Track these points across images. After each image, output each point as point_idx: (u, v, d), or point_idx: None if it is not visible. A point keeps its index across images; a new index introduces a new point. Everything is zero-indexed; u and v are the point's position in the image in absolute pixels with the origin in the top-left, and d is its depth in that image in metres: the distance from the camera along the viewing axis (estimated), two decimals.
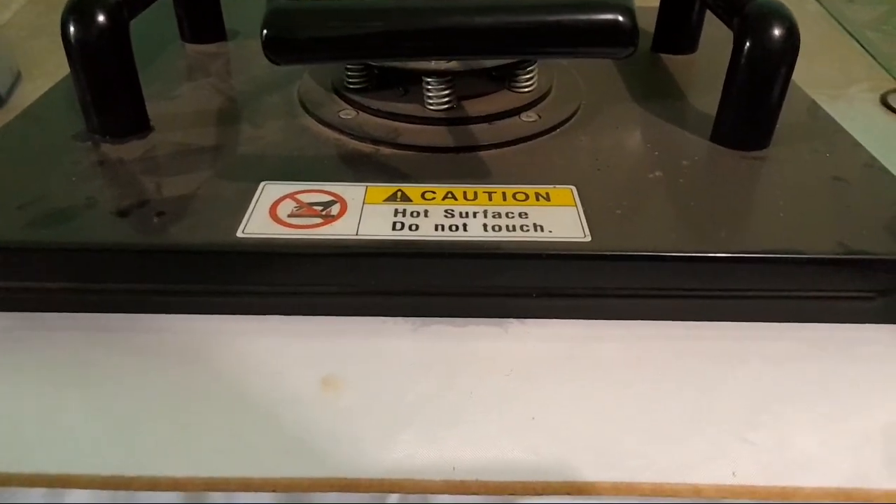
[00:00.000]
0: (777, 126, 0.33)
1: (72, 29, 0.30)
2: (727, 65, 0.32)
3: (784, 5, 0.31)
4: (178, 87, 0.38)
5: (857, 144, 0.34)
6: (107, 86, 0.31)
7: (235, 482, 0.22)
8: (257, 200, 0.28)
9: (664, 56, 0.43)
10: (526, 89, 0.35)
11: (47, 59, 0.65)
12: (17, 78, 0.63)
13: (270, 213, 0.27)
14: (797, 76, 0.33)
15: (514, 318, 0.28)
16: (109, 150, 0.31)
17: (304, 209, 0.28)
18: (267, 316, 0.28)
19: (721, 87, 0.33)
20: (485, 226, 0.27)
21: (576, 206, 0.28)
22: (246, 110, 0.36)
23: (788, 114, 0.33)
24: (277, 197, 0.28)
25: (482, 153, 0.32)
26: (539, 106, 0.35)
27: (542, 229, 0.27)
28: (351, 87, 0.35)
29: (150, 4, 0.33)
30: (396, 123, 0.33)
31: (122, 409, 0.24)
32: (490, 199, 0.29)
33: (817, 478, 0.23)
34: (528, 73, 0.35)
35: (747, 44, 0.30)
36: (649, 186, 0.30)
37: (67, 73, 0.34)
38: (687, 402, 0.25)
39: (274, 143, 0.33)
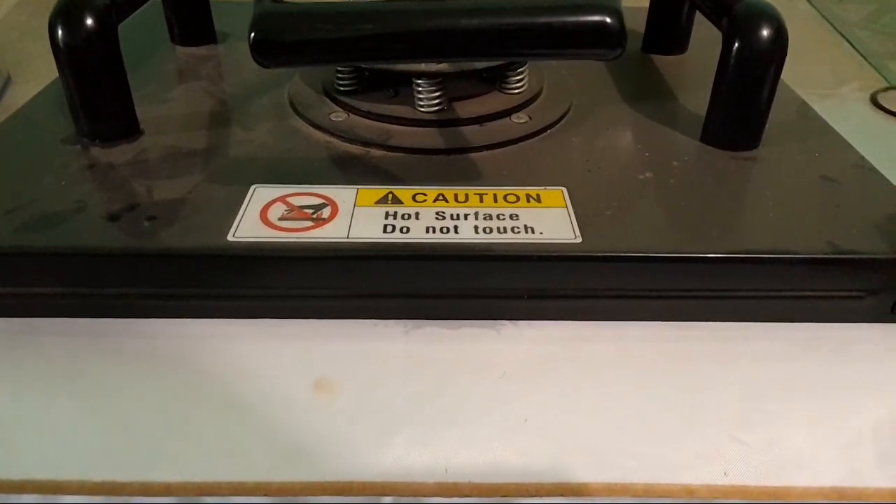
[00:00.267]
0: (767, 126, 0.33)
1: (60, 32, 0.30)
2: (716, 67, 0.32)
3: (772, 6, 0.31)
4: (169, 91, 0.38)
5: (846, 144, 0.34)
6: (95, 89, 0.31)
7: (228, 486, 0.22)
8: (248, 204, 0.28)
9: (654, 57, 0.43)
10: (516, 90, 0.35)
11: (37, 62, 0.65)
12: (7, 81, 0.63)
13: (261, 216, 0.27)
14: (787, 76, 0.34)
15: (506, 319, 0.28)
16: (99, 153, 0.31)
17: (294, 212, 0.28)
18: (258, 319, 0.28)
19: (711, 88, 0.33)
20: (476, 228, 0.27)
21: (566, 207, 0.28)
22: (236, 113, 0.36)
23: (778, 114, 0.33)
24: (268, 200, 0.28)
25: (473, 155, 0.32)
26: (530, 107, 0.35)
27: (532, 231, 0.27)
28: (341, 89, 0.35)
29: (139, 7, 0.33)
30: (387, 125, 0.33)
31: (113, 414, 0.24)
32: (481, 200, 0.29)
33: (809, 477, 0.23)
34: (519, 74, 0.35)
35: (736, 44, 0.31)
36: (640, 187, 0.30)
37: (57, 76, 0.34)
38: (678, 403, 0.25)
39: (264, 146, 0.33)
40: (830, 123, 0.36)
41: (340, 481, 0.22)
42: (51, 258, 0.26)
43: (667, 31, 0.43)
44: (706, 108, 0.33)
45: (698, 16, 0.40)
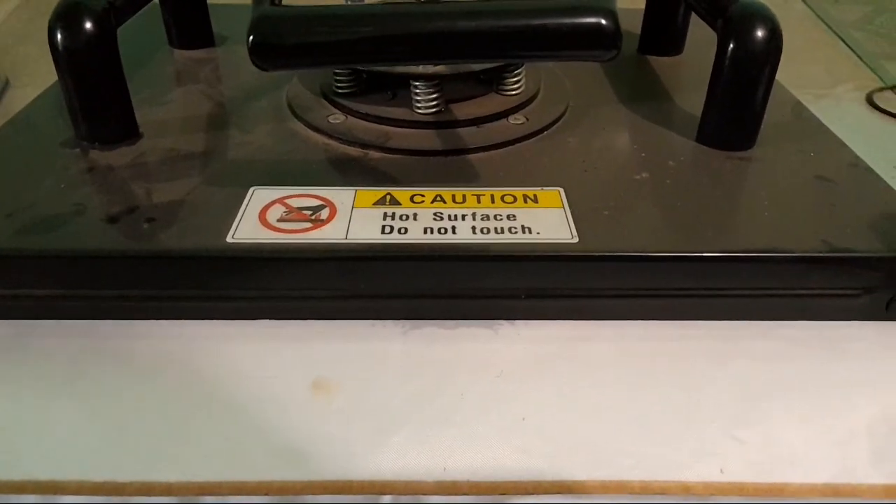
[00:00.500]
0: (762, 126, 0.33)
1: (59, 36, 0.30)
2: (712, 68, 0.32)
3: (767, 7, 0.31)
4: (167, 93, 0.38)
5: (841, 144, 0.34)
6: (95, 93, 0.31)
7: (228, 486, 0.22)
8: (247, 205, 0.28)
9: (650, 58, 0.44)
10: (513, 92, 0.36)
11: (35, 66, 0.65)
12: (6, 85, 0.63)
13: (260, 217, 0.28)
14: (783, 76, 0.34)
15: (503, 319, 0.28)
16: (98, 156, 0.31)
17: (293, 214, 0.28)
18: (257, 320, 0.28)
19: (706, 89, 0.33)
20: (473, 228, 0.27)
21: (563, 207, 0.29)
22: (235, 115, 0.36)
23: (773, 114, 0.33)
24: (267, 202, 0.29)
25: (470, 156, 0.32)
26: (527, 108, 0.36)
27: (530, 231, 0.27)
28: (339, 91, 0.35)
29: (137, 11, 0.34)
30: (385, 127, 0.34)
31: (113, 415, 0.24)
32: (478, 201, 0.29)
33: (804, 474, 0.23)
34: (516, 76, 0.35)
35: (731, 45, 0.31)
36: (636, 187, 0.30)
37: (56, 79, 0.34)
38: (675, 401, 0.26)
39: (263, 148, 0.33)
40: (826, 123, 0.36)
41: (340, 480, 0.23)
42: (51, 260, 0.26)
43: (662, 33, 0.44)
44: (702, 109, 0.34)
45: (694, 17, 0.40)
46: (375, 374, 0.26)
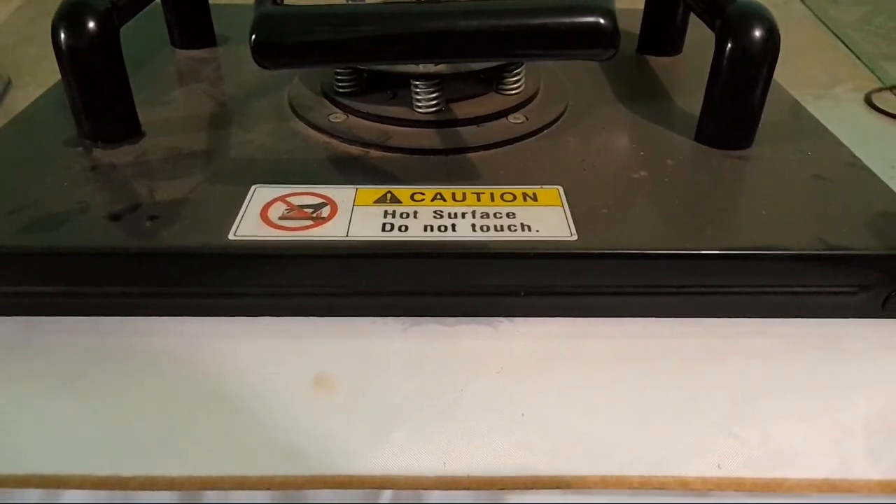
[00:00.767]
0: (760, 126, 0.33)
1: (62, 35, 0.30)
2: (710, 67, 0.32)
3: (764, 7, 0.31)
4: (169, 93, 0.38)
5: (838, 143, 0.34)
6: (97, 91, 0.32)
7: (230, 480, 0.23)
8: (248, 203, 0.29)
9: (649, 58, 0.44)
10: (513, 91, 0.36)
11: (37, 66, 0.65)
12: (8, 85, 0.63)
13: (262, 215, 0.28)
14: (782, 76, 0.34)
15: (503, 316, 0.28)
16: (101, 155, 0.32)
17: (294, 211, 0.28)
18: (259, 317, 0.28)
19: (705, 88, 0.33)
20: (473, 226, 0.28)
21: (562, 205, 0.29)
22: (236, 115, 0.36)
23: (771, 113, 0.33)
24: (268, 200, 0.29)
25: (470, 155, 0.33)
26: (526, 108, 0.36)
27: (529, 229, 0.27)
28: (340, 90, 0.35)
29: (140, 10, 0.34)
30: (385, 126, 0.34)
31: (116, 411, 0.25)
32: (478, 199, 0.29)
33: (801, 470, 0.24)
34: (515, 75, 0.36)
35: (729, 45, 0.31)
36: (635, 186, 0.31)
37: (58, 79, 0.34)
38: (673, 397, 0.26)
39: (264, 147, 0.33)
40: (825, 123, 0.36)
41: (341, 475, 0.23)
42: (54, 258, 0.26)
43: (661, 33, 0.44)
44: (700, 109, 0.34)
45: (692, 17, 0.41)
46: (376, 370, 0.26)
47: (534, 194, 0.30)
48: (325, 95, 0.36)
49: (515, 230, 0.27)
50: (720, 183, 0.31)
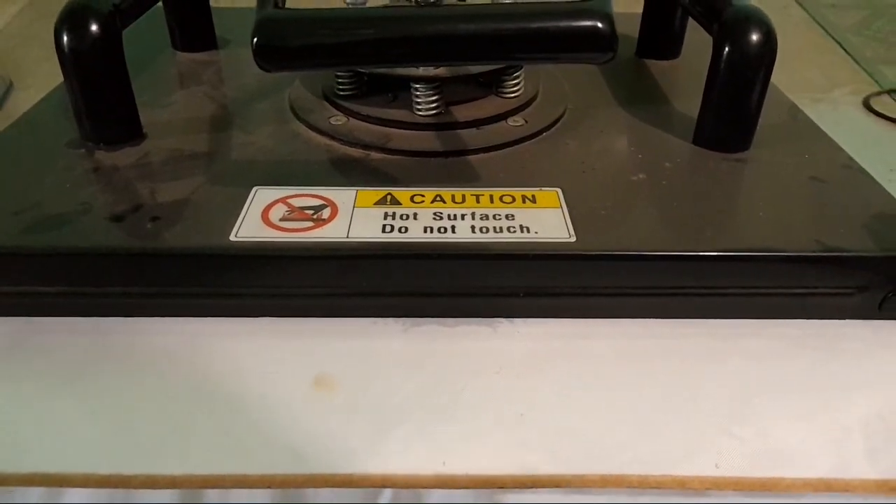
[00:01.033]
0: (758, 128, 0.33)
1: (65, 38, 0.30)
2: (708, 71, 0.33)
3: (761, 11, 0.32)
4: (171, 95, 0.38)
5: (835, 146, 0.35)
6: (100, 94, 0.32)
7: (231, 479, 0.23)
8: (250, 205, 0.29)
9: (648, 61, 0.44)
10: (512, 94, 0.36)
11: (39, 68, 0.65)
12: (9, 87, 0.64)
13: (263, 217, 0.28)
14: (780, 80, 0.34)
15: (502, 317, 0.29)
16: (103, 156, 0.32)
17: (295, 213, 0.28)
18: (260, 318, 0.28)
19: (703, 92, 0.33)
20: (473, 227, 0.28)
21: (561, 207, 0.29)
22: (238, 117, 0.37)
23: (769, 117, 0.33)
24: (269, 201, 0.29)
25: (470, 157, 0.33)
26: (526, 111, 0.36)
27: (528, 230, 0.28)
28: (341, 93, 0.36)
29: (142, 13, 0.34)
30: (386, 129, 0.34)
31: (118, 410, 0.25)
32: (478, 201, 0.30)
33: (799, 470, 0.24)
34: (515, 78, 0.36)
35: (726, 48, 0.31)
36: (633, 188, 0.31)
37: (60, 81, 0.34)
38: (672, 398, 0.26)
39: (265, 149, 0.33)
40: (823, 127, 0.37)
41: (341, 474, 0.23)
42: (57, 258, 0.27)
43: (660, 37, 0.44)
44: (698, 112, 0.34)
45: (690, 22, 0.41)
46: (376, 370, 0.27)
47: (533, 196, 0.30)
48: (326, 98, 0.36)
49: (514, 232, 0.28)
50: (718, 185, 0.31)
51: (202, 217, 0.28)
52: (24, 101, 0.61)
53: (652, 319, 0.29)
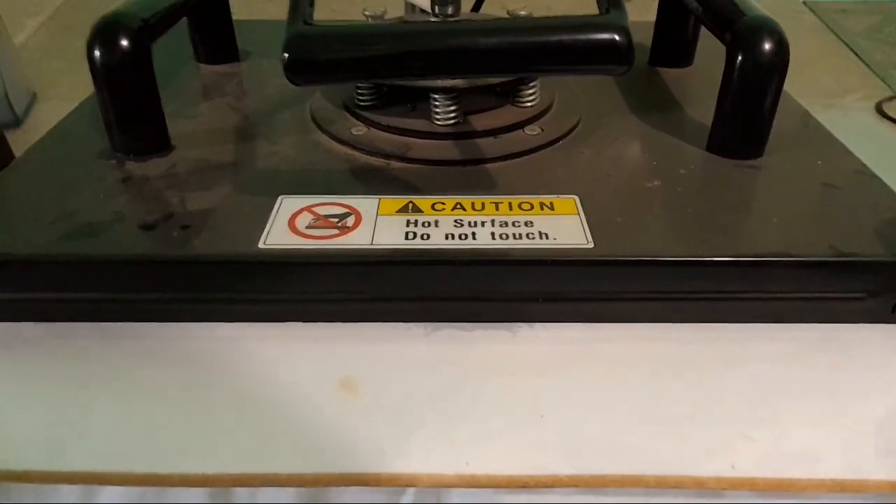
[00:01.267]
0: (770, 136, 0.34)
1: (97, 53, 0.31)
2: (721, 79, 0.33)
3: (773, 20, 0.32)
4: (196, 107, 0.40)
5: (847, 152, 0.35)
6: (130, 106, 0.33)
7: (261, 478, 0.24)
8: (276, 213, 0.30)
9: (661, 70, 0.45)
10: (529, 104, 0.37)
11: (61, 81, 0.67)
12: (33, 98, 0.65)
13: (290, 225, 0.29)
14: (792, 86, 0.35)
15: (522, 322, 0.29)
16: (133, 167, 0.33)
17: (321, 221, 0.29)
18: (287, 323, 0.29)
19: (716, 99, 0.34)
20: (493, 234, 0.29)
21: (579, 214, 0.30)
22: (261, 127, 0.38)
23: (782, 124, 0.34)
24: (295, 210, 0.30)
25: (488, 166, 0.34)
26: (541, 120, 0.37)
27: (546, 237, 0.28)
28: (361, 104, 0.37)
29: (169, 28, 0.35)
30: (405, 138, 0.35)
31: (152, 411, 0.26)
32: (497, 209, 0.30)
33: (813, 470, 0.24)
34: (531, 88, 0.37)
35: (739, 57, 0.32)
36: (648, 195, 0.31)
37: (82, 93, 0.36)
38: (688, 401, 0.27)
39: (289, 159, 0.34)
40: (835, 133, 0.37)
41: (368, 473, 0.24)
42: (92, 266, 0.28)
43: (673, 45, 0.45)
44: (711, 119, 0.35)
45: (703, 30, 0.42)
46: (399, 373, 0.27)
47: (550, 203, 0.31)
48: (347, 109, 0.37)
49: (533, 238, 0.28)
50: (732, 191, 0.32)
51: (231, 225, 0.29)
52: (46, 111, 0.63)
53: (668, 324, 0.29)
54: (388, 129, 0.35)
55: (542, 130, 0.36)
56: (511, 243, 0.28)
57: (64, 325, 0.29)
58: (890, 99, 0.57)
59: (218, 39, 0.45)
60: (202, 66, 0.45)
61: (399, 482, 0.24)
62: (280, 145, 0.36)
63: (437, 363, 0.28)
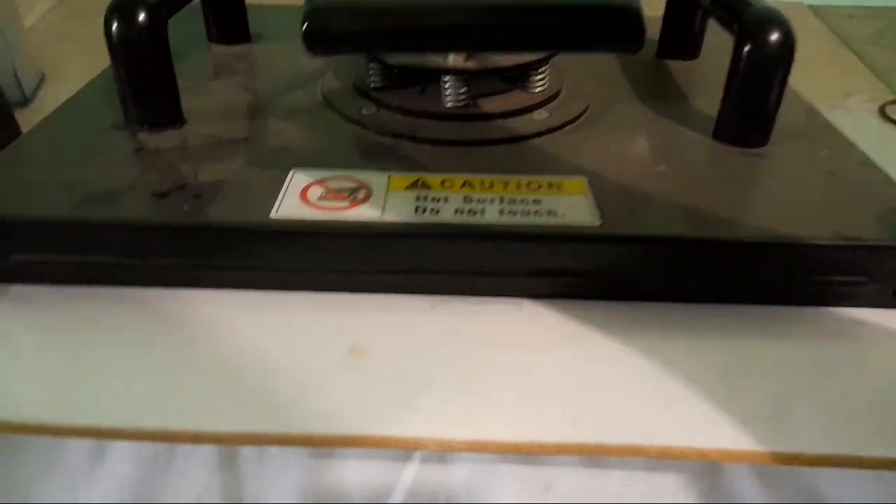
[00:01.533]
0: (775, 127, 0.34)
1: (114, 26, 0.32)
2: (728, 69, 0.34)
3: (780, 12, 0.33)
4: (208, 84, 0.40)
5: (851, 144, 0.36)
6: (145, 80, 0.33)
7: (271, 437, 0.24)
8: (288, 185, 0.30)
9: (668, 62, 0.45)
10: (537, 89, 0.37)
11: (70, 63, 0.67)
12: (42, 79, 0.65)
13: (301, 196, 0.29)
14: (798, 87, 0.35)
15: (527, 297, 0.30)
16: (147, 139, 0.33)
17: (332, 194, 0.30)
18: (298, 292, 0.30)
19: (722, 90, 0.35)
20: (501, 211, 0.29)
21: (586, 194, 0.30)
22: (272, 106, 0.38)
23: (786, 116, 0.34)
24: (307, 182, 0.30)
25: (496, 147, 0.34)
26: (550, 105, 0.37)
27: (555, 214, 0.29)
28: (372, 85, 0.37)
29: (186, 4, 0.36)
30: (415, 119, 0.35)
31: (164, 372, 0.26)
32: (505, 187, 0.31)
33: (815, 445, 0.25)
34: (540, 74, 0.37)
35: (746, 47, 0.32)
36: (655, 178, 0.32)
37: (90, 76, 0.36)
38: (691, 376, 0.27)
39: (300, 136, 0.35)
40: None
41: (377, 436, 0.24)
42: (107, 230, 0.28)
43: (680, 38, 0.45)
44: (717, 109, 0.35)
45: (710, 24, 0.42)
46: (407, 343, 0.28)
47: (559, 184, 0.31)
48: (357, 89, 0.38)
49: (542, 215, 0.29)
50: (737, 177, 0.32)
51: (243, 195, 0.30)
52: (54, 93, 0.63)
53: (676, 304, 0.30)
54: (397, 109, 0.36)
55: (550, 115, 0.36)
56: (519, 219, 0.29)
57: (79, 288, 0.29)
58: (893, 102, 0.57)
59: (230, 20, 0.45)
60: (214, 45, 0.45)
61: (406, 445, 0.24)
62: (291, 122, 0.36)
63: (444, 333, 0.28)
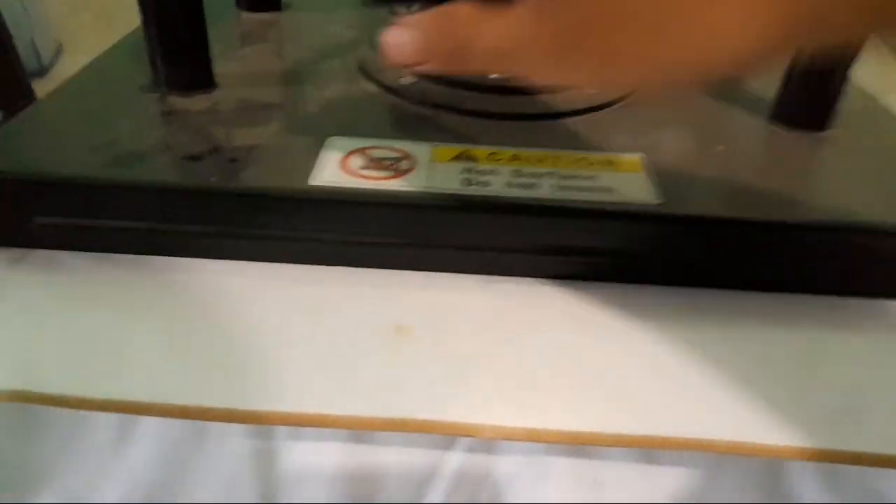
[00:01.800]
0: (835, 112, 0.33)
1: None
2: None
3: None
4: (238, 50, 0.38)
5: None
6: (177, 40, 0.32)
7: (309, 418, 0.22)
8: (327, 153, 0.28)
9: None
10: None
11: (87, 34, 0.66)
12: (59, 50, 0.64)
13: (342, 165, 0.28)
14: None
15: (580, 279, 0.28)
16: (177, 101, 0.32)
17: (374, 163, 0.28)
18: (336, 267, 0.28)
19: (775, 75, 0.33)
20: (554, 186, 0.27)
21: (642, 172, 0.28)
22: (306, 74, 0.36)
23: (846, 103, 0.33)
24: (347, 151, 0.29)
25: (547, 122, 0.32)
26: None
27: (610, 191, 0.27)
28: None
29: None
30: (455, 90, 0.33)
31: (194, 348, 0.25)
32: (557, 162, 0.29)
33: (820, 439, 0.23)
34: None
35: None
36: (714, 158, 0.30)
37: (107, 46, 0.35)
38: (723, 365, 0.25)
39: (336, 103, 0.33)
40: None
41: (420, 420, 0.22)
42: (136, 193, 0.26)
43: None
44: (772, 93, 0.33)
45: None
46: (455, 324, 0.26)
47: (614, 161, 0.29)
48: None
49: (598, 192, 0.27)
50: (797, 159, 0.31)
51: (279, 161, 0.28)
52: (71, 63, 0.62)
53: (740, 291, 0.28)
54: (437, 80, 0.34)
55: (600, 91, 0.34)
56: (574, 195, 0.27)
57: (106, 255, 0.28)
58: None
59: None
60: (243, 13, 0.44)
61: (458, 431, 0.22)
62: (327, 91, 0.34)
63: (494, 315, 0.26)
